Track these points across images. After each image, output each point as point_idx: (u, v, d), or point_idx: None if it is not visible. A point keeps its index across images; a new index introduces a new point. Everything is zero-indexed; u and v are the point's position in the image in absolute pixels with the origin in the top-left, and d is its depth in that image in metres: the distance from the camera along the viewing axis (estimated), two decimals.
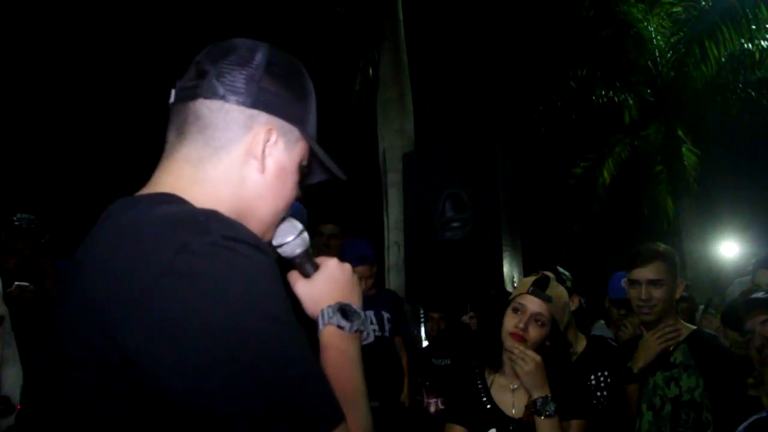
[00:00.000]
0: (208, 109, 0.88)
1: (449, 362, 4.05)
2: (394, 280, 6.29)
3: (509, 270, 3.97)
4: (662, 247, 2.33)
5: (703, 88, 10.20)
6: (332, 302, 0.96)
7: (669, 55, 10.52)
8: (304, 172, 0.98)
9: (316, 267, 1.02)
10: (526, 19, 10.22)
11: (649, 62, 10.75)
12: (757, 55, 9.66)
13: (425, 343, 4.95)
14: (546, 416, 1.78)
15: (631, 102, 11.00)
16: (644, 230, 11.36)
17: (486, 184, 3.99)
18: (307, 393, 0.71)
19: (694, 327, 2.38)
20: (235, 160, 0.89)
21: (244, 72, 0.89)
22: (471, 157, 4.10)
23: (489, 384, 1.99)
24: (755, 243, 10.52)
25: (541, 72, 10.80)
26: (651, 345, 2.23)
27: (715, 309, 3.33)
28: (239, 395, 0.67)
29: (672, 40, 10.47)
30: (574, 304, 2.56)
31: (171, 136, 0.91)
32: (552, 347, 1.94)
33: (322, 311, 0.95)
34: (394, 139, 7.06)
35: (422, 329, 5.25)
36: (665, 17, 10.65)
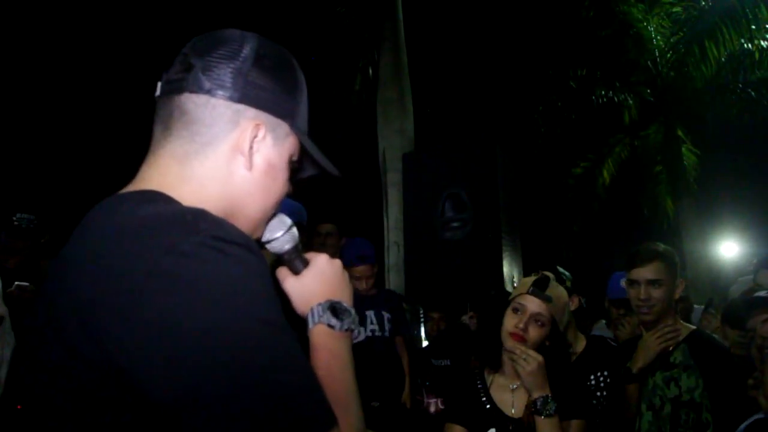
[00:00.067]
0: (194, 103, 0.86)
1: (449, 363, 4.05)
2: (394, 280, 6.30)
3: (509, 270, 3.98)
4: (662, 247, 2.33)
5: (703, 88, 10.20)
6: (322, 300, 0.94)
7: (669, 55, 10.52)
8: (295, 167, 0.96)
9: (306, 263, 0.99)
10: (526, 19, 10.22)
11: (648, 62, 10.75)
12: (757, 55, 9.66)
13: (425, 343, 4.95)
14: (546, 416, 1.79)
15: (630, 102, 10.99)
16: (644, 230, 11.36)
17: (486, 184, 3.99)
18: (298, 397, 0.69)
19: (694, 327, 2.38)
20: (222, 157, 0.87)
21: (231, 65, 0.86)
22: (471, 157, 4.10)
23: (488, 384, 1.99)
24: (755, 243, 10.51)
25: (541, 72, 10.80)
26: (650, 345, 2.23)
27: (715, 309, 3.33)
28: (229, 400, 0.65)
29: (672, 40, 10.47)
30: (573, 304, 2.56)
31: (157, 131, 0.89)
32: (552, 347, 1.94)
33: (312, 309, 0.93)
34: (394, 139, 7.06)
35: (422, 329, 5.25)
36: (665, 17, 10.65)
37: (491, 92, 10.75)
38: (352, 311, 0.95)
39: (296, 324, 0.83)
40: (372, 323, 3.48)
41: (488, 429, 1.90)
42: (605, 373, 2.39)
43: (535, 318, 1.92)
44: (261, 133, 0.88)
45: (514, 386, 1.93)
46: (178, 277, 0.69)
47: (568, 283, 2.68)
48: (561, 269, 2.94)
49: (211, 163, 0.87)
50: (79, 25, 9.60)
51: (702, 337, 2.29)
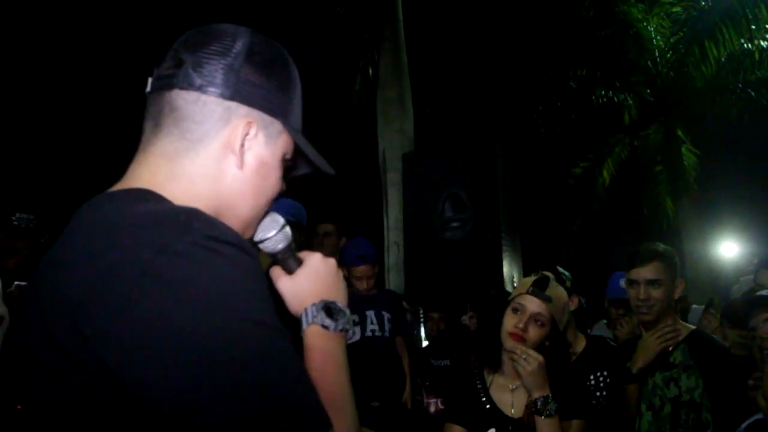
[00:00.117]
0: (184, 100, 0.84)
1: (448, 363, 4.05)
2: (394, 280, 6.30)
3: (509, 270, 3.98)
4: (661, 247, 2.33)
5: (702, 88, 10.20)
6: (316, 300, 0.92)
7: (669, 55, 10.52)
8: (288, 165, 0.94)
9: (300, 262, 0.97)
10: (526, 19, 10.22)
11: (648, 62, 10.75)
12: (757, 55, 9.65)
13: (425, 344, 4.95)
14: (546, 416, 1.79)
15: (630, 102, 11.00)
16: (644, 230, 11.37)
17: (486, 184, 3.99)
18: (292, 399, 0.68)
19: (694, 327, 2.38)
20: (213, 155, 0.85)
21: (222, 61, 0.84)
22: (471, 157, 4.10)
23: (488, 384, 1.99)
24: (755, 243, 10.51)
25: (541, 72, 10.81)
26: (650, 345, 2.23)
27: (716, 309, 3.32)
28: (222, 403, 0.65)
29: (672, 40, 10.47)
30: (573, 304, 2.56)
31: (147, 128, 0.87)
32: (551, 347, 1.94)
33: (306, 310, 0.91)
34: (394, 138, 7.06)
35: (422, 329, 5.25)
36: (665, 17, 10.65)
37: (491, 92, 10.75)
38: (347, 311, 0.93)
39: (290, 324, 0.82)
40: (372, 323, 3.48)
41: (488, 429, 1.90)
42: (605, 373, 2.39)
43: (534, 318, 1.92)
44: (253, 131, 0.86)
45: (514, 386, 1.93)
46: (171, 278, 0.68)
47: (568, 283, 2.68)
48: (561, 269, 2.94)
49: (202, 161, 0.85)
50: (79, 25, 9.59)
51: (702, 337, 2.29)
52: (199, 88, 0.83)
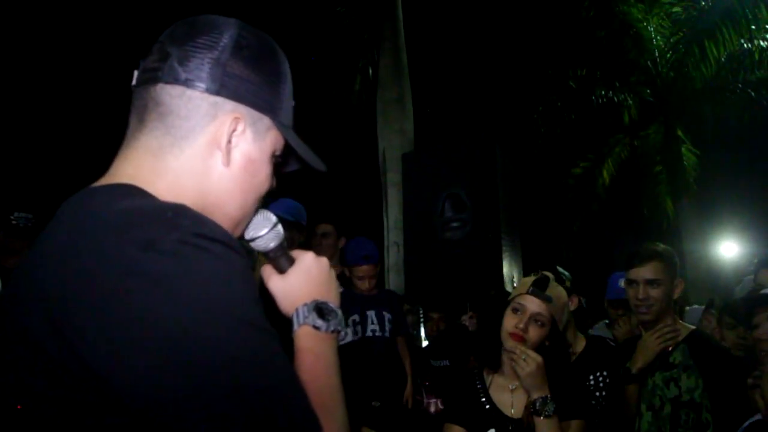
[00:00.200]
0: (169, 95, 0.81)
1: (448, 363, 4.05)
2: (394, 280, 6.30)
3: (509, 270, 3.97)
4: (661, 247, 2.33)
5: (702, 88, 10.20)
6: (308, 300, 0.90)
7: (669, 55, 10.52)
8: (278, 162, 0.92)
9: (292, 261, 0.95)
10: (526, 19, 10.22)
11: (648, 62, 10.75)
12: (757, 55, 9.66)
13: (425, 344, 4.95)
14: (545, 416, 1.78)
15: (630, 102, 11.00)
16: (644, 230, 11.37)
17: (485, 184, 3.99)
18: (281, 401, 0.66)
19: (693, 327, 2.38)
20: (198, 152, 0.82)
21: (209, 55, 0.81)
22: (471, 157, 4.09)
23: (488, 384, 1.99)
24: (755, 243, 10.52)
25: (541, 72, 10.81)
26: (650, 345, 2.23)
27: (716, 310, 3.32)
28: (209, 405, 0.63)
29: (672, 40, 10.47)
30: (573, 305, 2.56)
31: (132, 123, 0.85)
32: (551, 347, 1.94)
33: (297, 310, 0.89)
34: (393, 139, 7.06)
35: (422, 329, 5.25)
36: (665, 17, 10.65)
37: (491, 92, 10.75)
38: (339, 312, 0.91)
39: (280, 325, 0.80)
40: (373, 323, 3.48)
41: (488, 429, 1.90)
42: (605, 373, 2.39)
43: (535, 318, 1.92)
44: (240, 127, 0.84)
45: (514, 386, 1.93)
46: (157, 276, 0.66)
47: (568, 283, 2.68)
48: (560, 269, 2.95)
49: (187, 158, 0.82)
50: (78, 23, 9.59)
51: (702, 338, 2.29)
52: (185, 83, 0.81)
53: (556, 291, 1.98)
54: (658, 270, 2.24)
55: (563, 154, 11.64)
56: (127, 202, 0.74)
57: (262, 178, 0.89)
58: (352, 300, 3.44)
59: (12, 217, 3.31)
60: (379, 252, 3.74)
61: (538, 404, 1.80)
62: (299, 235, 3.19)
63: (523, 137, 10.43)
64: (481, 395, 1.97)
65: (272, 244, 0.95)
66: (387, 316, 3.52)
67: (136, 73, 0.85)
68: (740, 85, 10.21)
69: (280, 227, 0.96)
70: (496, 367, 2.00)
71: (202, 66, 0.81)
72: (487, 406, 1.94)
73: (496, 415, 1.92)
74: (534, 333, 1.91)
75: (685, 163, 10.98)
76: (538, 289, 1.94)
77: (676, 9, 10.54)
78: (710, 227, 11.19)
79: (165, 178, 0.82)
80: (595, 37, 10.48)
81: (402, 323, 3.71)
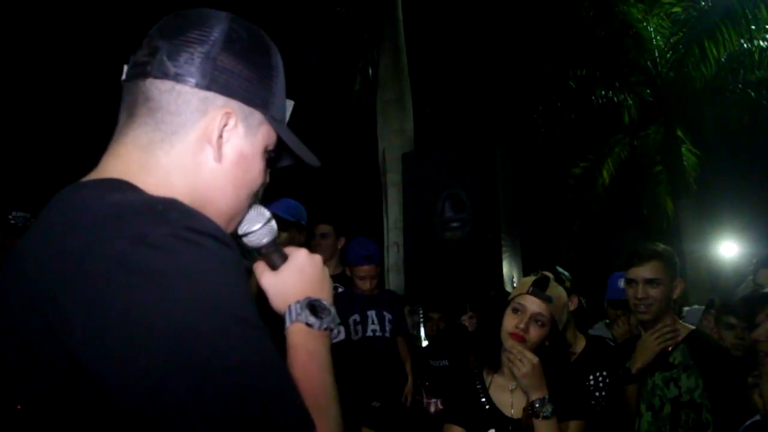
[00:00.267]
0: (159, 90, 0.80)
1: (447, 363, 4.05)
2: (394, 280, 6.30)
3: (509, 270, 3.98)
4: (660, 246, 2.33)
5: (702, 88, 10.20)
6: (301, 297, 0.88)
7: (668, 55, 10.52)
8: (271, 157, 0.90)
9: (285, 258, 0.94)
10: (526, 19, 10.23)
11: (648, 62, 10.75)
12: (757, 56, 9.65)
13: (425, 344, 4.95)
14: (543, 418, 1.78)
15: (630, 102, 11.00)
16: (644, 230, 11.38)
17: (485, 184, 3.99)
18: (273, 399, 0.65)
19: (693, 327, 2.38)
20: (189, 147, 0.81)
21: (199, 49, 0.80)
22: (470, 157, 4.10)
23: (488, 384, 1.99)
24: (755, 243, 10.52)
25: (541, 72, 10.81)
26: (649, 345, 2.23)
27: (716, 310, 3.32)
28: (199, 402, 0.61)
29: (672, 40, 10.47)
30: (573, 305, 2.56)
31: (121, 118, 0.83)
32: (551, 347, 1.94)
33: (290, 307, 0.87)
34: (393, 139, 7.07)
35: (422, 329, 5.25)
36: (665, 17, 10.65)
37: (491, 92, 10.75)
38: (332, 309, 0.90)
39: (272, 322, 0.79)
40: (373, 323, 3.48)
41: (488, 430, 1.90)
42: (604, 373, 2.39)
43: (535, 318, 1.92)
44: (231, 122, 0.82)
45: (513, 386, 1.93)
46: (147, 270, 0.64)
47: (568, 284, 2.68)
48: (560, 269, 2.95)
49: (177, 153, 0.81)
50: (78, 23, 9.59)
51: (701, 338, 2.29)
52: (174, 78, 0.79)
53: (556, 291, 1.98)
54: (658, 269, 2.24)
55: (563, 154, 11.64)
56: (116, 197, 0.73)
57: (254, 173, 0.88)
58: (352, 300, 3.44)
59: (10, 217, 3.31)
60: (379, 252, 3.74)
61: (536, 406, 1.80)
62: (299, 236, 3.19)
63: (523, 137, 10.44)
64: (481, 395, 1.97)
65: (265, 240, 0.94)
66: (387, 316, 3.52)
67: (125, 67, 0.84)
68: (740, 85, 10.21)
69: (273, 223, 0.95)
70: (496, 367, 2.00)
71: (192, 60, 0.80)
72: (487, 407, 1.94)
73: (495, 415, 1.92)
74: (534, 333, 1.91)
75: (685, 163, 10.99)
76: (539, 289, 1.94)
77: (676, 9, 10.53)
78: (710, 227, 11.19)
79: (155, 174, 0.80)
80: (595, 37, 10.48)
81: (402, 323, 3.71)
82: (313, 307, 0.88)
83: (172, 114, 0.80)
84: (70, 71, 9.87)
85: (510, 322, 1.94)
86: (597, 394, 2.36)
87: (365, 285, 3.45)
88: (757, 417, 1.87)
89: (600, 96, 10.89)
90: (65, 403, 0.66)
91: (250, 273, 0.90)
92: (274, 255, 0.94)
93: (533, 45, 10.45)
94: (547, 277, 1.98)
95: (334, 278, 3.53)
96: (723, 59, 9.79)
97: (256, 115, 0.85)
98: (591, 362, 2.43)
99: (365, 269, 3.45)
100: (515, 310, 1.95)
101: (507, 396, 1.94)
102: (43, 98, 10.03)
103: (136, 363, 0.62)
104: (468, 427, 1.93)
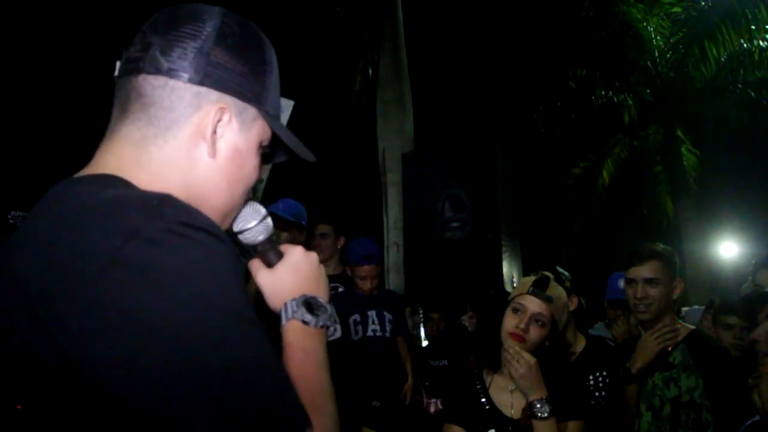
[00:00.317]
0: (152, 85, 0.79)
1: (446, 363, 4.05)
2: (394, 280, 6.30)
3: (509, 270, 3.98)
4: (660, 246, 2.33)
5: (702, 88, 10.21)
6: (296, 294, 0.88)
7: (668, 55, 10.53)
8: (266, 153, 0.89)
9: (281, 256, 0.93)
10: (526, 19, 10.23)
11: (648, 62, 10.76)
12: (757, 56, 9.66)
13: (425, 344, 4.96)
14: (541, 419, 1.78)
15: (630, 102, 11.00)
16: (644, 230, 11.38)
17: (485, 184, 3.99)
18: (268, 396, 0.65)
19: (693, 327, 2.38)
20: (183, 143, 0.80)
21: (192, 44, 0.79)
22: (470, 157, 4.10)
23: (488, 384, 1.99)
24: (755, 243, 10.53)
25: (541, 72, 10.81)
26: (649, 345, 2.23)
27: (714, 310, 3.32)
28: (196, 400, 0.61)
29: (671, 40, 10.48)
30: (573, 305, 2.56)
31: (114, 114, 0.83)
32: (551, 347, 1.94)
33: (286, 304, 0.87)
34: (393, 139, 7.07)
35: (422, 329, 5.25)
36: (665, 17, 10.65)
37: (491, 92, 10.76)
38: (329, 307, 0.89)
39: (268, 320, 0.79)
40: (374, 323, 3.48)
41: (487, 430, 1.90)
42: (604, 373, 2.39)
43: (535, 318, 1.91)
44: (225, 117, 0.82)
45: (513, 387, 1.93)
46: (141, 266, 0.64)
47: (567, 284, 2.68)
48: (560, 269, 2.95)
49: (171, 149, 0.80)
50: (79, 23, 9.59)
51: (701, 338, 2.29)
52: (167, 73, 0.79)
53: (557, 291, 1.98)
54: (657, 269, 2.24)
55: (563, 154, 11.65)
56: (110, 192, 0.72)
57: (249, 169, 0.87)
58: (353, 300, 3.44)
59: (9, 216, 3.31)
60: (380, 252, 3.73)
61: (534, 406, 1.80)
62: (300, 236, 3.19)
63: (523, 137, 10.44)
64: (481, 395, 1.97)
65: (261, 237, 0.93)
66: (388, 316, 3.52)
67: (118, 64, 0.83)
68: (740, 85, 10.21)
69: (269, 220, 0.94)
70: (495, 368, 2.00)
71: (185, 55, 0.79)
72: (487, 407, 1.94)
73: (495, 415, 1.92)
74: (534, 333, 1.90)
75: (685, 163, 10.99)
76: (539, 289, 1.94)
77: (676, 9, 10.54)
78: (710, 227, 11.20)
79: (148, 170, 0.80)
80: (595, 37, 10.49)
81: (402, 323, 3.72)
82: (309, 304, 0.87)
83: (166, 109, 0.80)
84: (65, 68, 9.86)
85: (510, 322, 1.93)
86: (597, 394, 2.36)
87: (366, 285, 3.46)
88: (757, 417, 1.87)
89: (600, 96, 10.90)
90: (64, 402, 0.65)
91: (246, 270, 0.90)
92: (270, 253, 0.93)
93: (533, 45, 10.45)
94: (548, 277, 1.98)
95: (335, 278, 3.56)
96: (723, 59, 9.80)
97: (251, 111, 0.85)
98: (591, 362, 2.43)
99: (366, 269, 3.45)
100: (515, 310, 1.95)
101: (507, 396, 1.94)
102: (41, 98, 10.02)
103: (129, 360, 0.62)
104: (468, 427, 1.93)
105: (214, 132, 0.82)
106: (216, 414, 0.61)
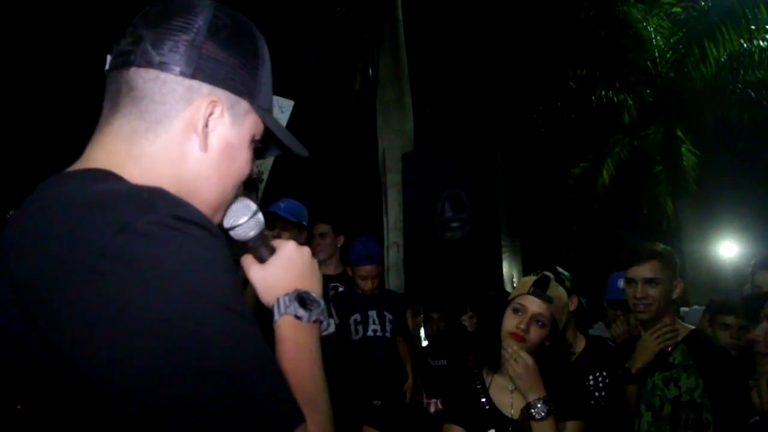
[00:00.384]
0: (143, 79, 0.78)
1: (445, 363, 4.05)
2: (394, 280, 6.30)
3: (509, 270, 3.98)
4: (660, 246, 2.33)
5: (702, 88, 10.20)
6: (289, 289, 0.87)
7: (668, 55, 10.52)
8: (258, 147, 0.89)
9: (273, 251, 0.93)
10: (526, 20, 10.23)
11: (648, 62, 10.75)
12: (757, 55, 9.66)
13: (425, 343, 4.96)
14: (539, 419, 1.78)
15: (630, 102, 11.01)
16: (644, 230, 11.38)
17: (486, 184, 4.00)
18: (261, 391, 0.64)
19: (693, 327, 2.38)
20: (174, 136, 0.80)
21: (183, 37, 0.79)
22: (470, 157, 4.10)
23: (488, 384, 1.99)
24: (755, 243, 10.53)
25: (541, 72, 10.81)
26: (649, 345, 2.23)
27: (712, 310, 3.32)
28: (188, 394, 0.61)
29: (671, 40, 10.47)
30: (573, 305, 2.56)
31: (105, 108, 0.82)
32: (551, 347, 1.94)
33: (278, 299, 0.86)
34: (393, 139, 7.07)
35: (422, 329, 5.25)
36: (665, 17, 10.65)
37: (491, 92, 10.76)
38: (321, 302, 0.89)
39: (261, 315, 0.79)
40: (374, 323, 3.48)
41: (487, 430, 1.90)
42: (604, 373, 2.39)
43: (536, 318, 1.91)
44: (217, 111, 0.81)
45: (513, 387, 1.93)
46: (133, 259, 0.63)
47: (568, 284, 2.67)
48: (560, 269, 2.95)
49: (162, 143, 0.80)
50: (70, 18, 9.59)
51: (701, 338, 2.29)
52: (159, 66, 0.78)
53: (557, 291, 1.98)
54: (657, 269, 2.24)
55: (563, 154, 11.65)
56: (101, 186, 0.72)
57: (241, 163, 0.86)
58: (353, 300, 3.44)
59: (8, 216, 3.31)
60: (381, 252, 3.73)
61: (532, 406, 1.80)
62: (300, 236, 3.19)
63: (523, 137, 10.44)
64: (481, 395, 1.97)
65: (252, 233, 0.92)
66: (388, 316, 3.53)
67: (108, 57, 0.83)
68: (740, 85, 10.21)
69: (260, 215, 0.94)
70: (495, 368, 1.99)
71: (176, 49, 0.78)
72: (487, 407, 1.94)
73: (495, 415, 1.92)
74: (535, 333, 1.90)
75: (685, 163, 10.99)
76: (539, 289, 1.94)
77: (676, 9, 10.53)
78: (710, 227, 11.19)
79: (139, 164, 0.79)
80: (595, 37, 10.49)
81: (403, 323, 3.72)
82: (302, 299, 0.87)
83: (157, 103, 0.79)
84: (64, 71, 9.86)
85: (510, 322, 1.93)
86: (597, 394, 2.36)
87: (367, 285, 3.46)
88: (757, 417, 1.87)
89: (600, 96, 10.89)
90: (61, 401, 0.65)
91: (238, 266, 0.90)
92: (261, 248, 0.93)
93: (533, 45, 10.45)
94: (548, 277, 1.98)
95: (335, 278, 3.56)
96: (723, 59, 9.79)
97: (243, 104, 0.84)
98: (591, 362, 2.42)
99: (367, 269, 3.45)
100: (516, 311, 1.95)
101: (507, 396, 1.94)
102: (40, 98, 10.02)
103: (121, 354, 0.61)
104: (468, 427, 1.93)
105: (206, 125, 0.81)
106: (208, 408, 0.61)
